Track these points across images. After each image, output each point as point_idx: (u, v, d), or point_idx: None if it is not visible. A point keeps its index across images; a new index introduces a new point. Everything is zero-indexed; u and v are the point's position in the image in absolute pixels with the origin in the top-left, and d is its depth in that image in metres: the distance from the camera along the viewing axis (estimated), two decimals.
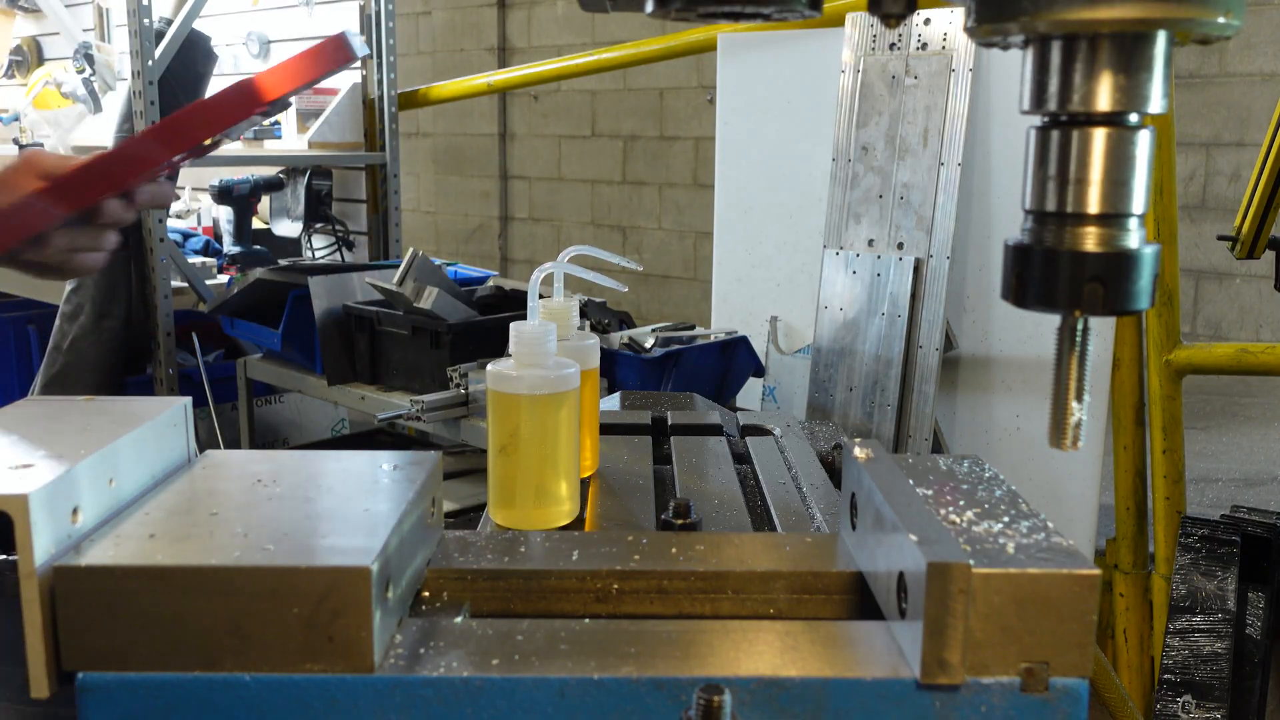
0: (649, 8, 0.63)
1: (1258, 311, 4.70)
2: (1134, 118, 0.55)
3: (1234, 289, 4.75)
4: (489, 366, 0.87)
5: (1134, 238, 0.57)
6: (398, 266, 2.92)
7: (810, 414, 2.67)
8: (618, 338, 2.67)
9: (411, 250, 2.94)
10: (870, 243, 2.59)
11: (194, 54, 3.75)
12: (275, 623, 0.56)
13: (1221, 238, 2.54)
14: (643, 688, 0.57)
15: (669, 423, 1.21)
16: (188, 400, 0.75)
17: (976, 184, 2.54)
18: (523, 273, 6.76)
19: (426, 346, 2.77)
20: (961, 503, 0.68)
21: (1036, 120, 0.58)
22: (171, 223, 4.51)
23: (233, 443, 3.61)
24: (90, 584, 0.56)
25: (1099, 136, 0.55)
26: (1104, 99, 0.55)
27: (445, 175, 7.48)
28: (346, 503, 0.66)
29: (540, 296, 0.93)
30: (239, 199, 4.16)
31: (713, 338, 2.75)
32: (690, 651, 0.59)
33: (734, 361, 2.74)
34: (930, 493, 0.70)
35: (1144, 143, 0.56)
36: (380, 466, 0.73)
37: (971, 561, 0.56)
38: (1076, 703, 0.57)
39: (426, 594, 0.70)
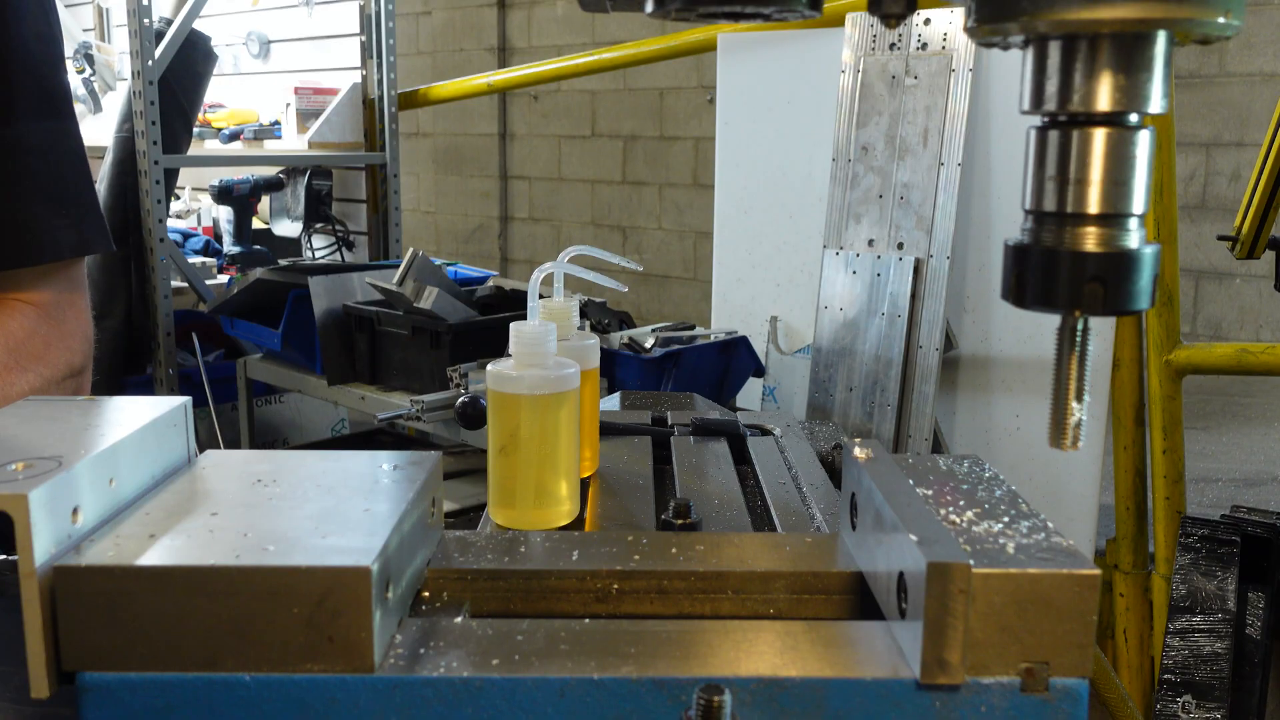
0: (649, 8, 0.63)
1: (1258, 311, 4.70)
2: (1134, 118, 0.55)
3: (1234, 289, 4.75)
4: (489, 366, 0.87)
5: (1134, 238, 0.57)
6: (398, 266, 2.92)
7: (810, 414, 2.67)
8: (618, 338, 2.67)
9: (411, 250, 2.95)
10: (870, 243, 2.59)
11: (194, 54, 3.76)
12: (275, 623, 0.56)
13: (1221, 238, 2.55)
14: (643, 688, 0.57)
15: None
16: (188, 400, 0.75)
17: (976, 184, 2.54)
18: (523, 273, 6.76)
19: (426, 346, 2.77)
20: (961, 503, 0.68)
21: (1036, 120, 0.58)
22: (171, 223, 4.51)
23: (233, 443, 3.62)
24: (90, 584, 0.56)
25: (1099, 136, 0.55)
26: (1104, 99, 0.55)
27: (445, 175, 7.48)
28: (346, 503, 0.66)
29: (540, 296, 0.93)
30: (239, 199, 4.16)
31: (713, 338, 2.75)
32: (690, 651, 0.59)
33: (734, 361, 2.74)
34: (930, 493, 0.70)
35: (1144, 143, 0.56)
36: (380, 466, 0.73)
37: (971, 561, 0.56)
38: (1076, 703, 0.57)
39: (426, 594, 0.70)
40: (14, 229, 1.09)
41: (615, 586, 0.70)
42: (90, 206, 1.17)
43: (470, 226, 7.38)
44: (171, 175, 4.01)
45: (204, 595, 0.56)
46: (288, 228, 4.34)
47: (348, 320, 2.98)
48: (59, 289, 1.14)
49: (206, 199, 4.62)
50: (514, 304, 3.01)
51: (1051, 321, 0.60)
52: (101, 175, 3.54)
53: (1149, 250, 0.57)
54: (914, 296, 2.51)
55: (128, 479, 0.66)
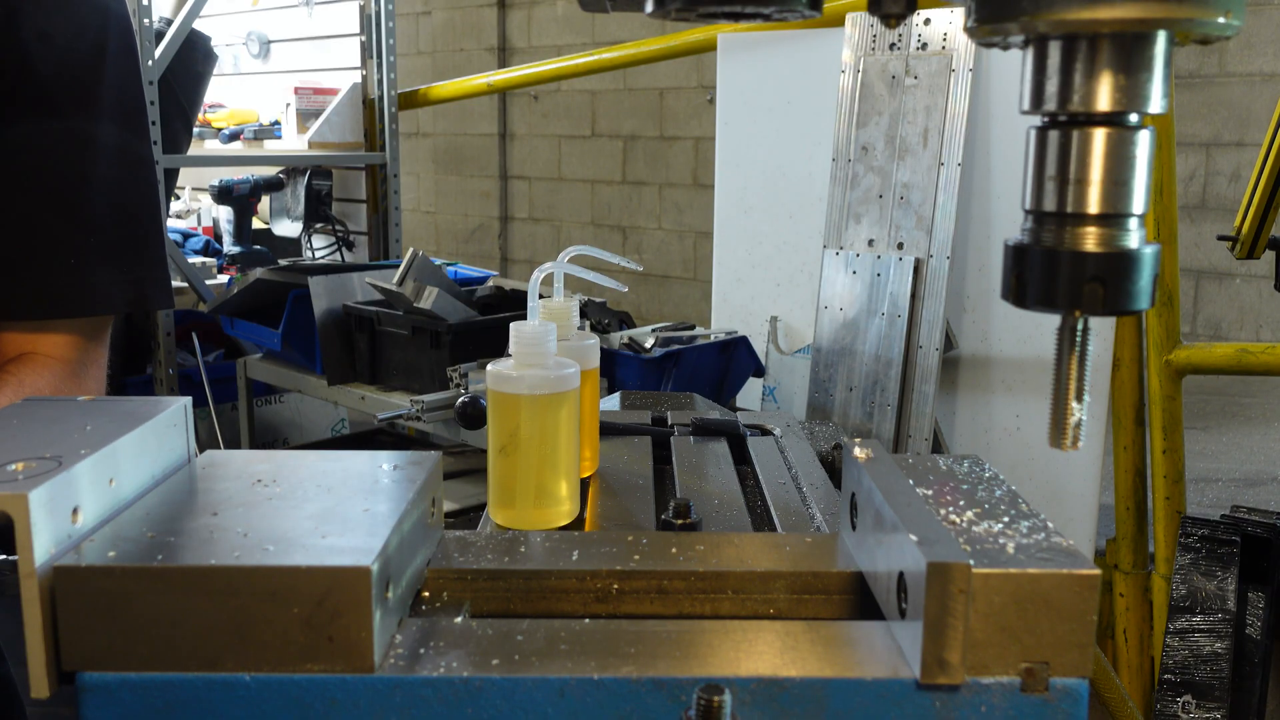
0: (649, 8, 0.63)
1: (1258, 311, 4.70)
2: (1134, 118, 0.55)
3: (1234, 289, 4.75)
4: (489, 366, 0.87)
5: (1134, 238, 0.57)
6: (398, 266, 2.92)
7: (810, 414, 2.67)
8: (618, 338, 2.67)
9: (411, 250, 2.95)
10: (870, 243, 2.59)
11: (194, 54, 3.76)
12: (275, 623, 0.56)
13: (1221, 238, 2.55)
14: (643, 688, 0.57)
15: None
16: (188, 400, 0.75)
17: (976, 184, 2.54)
18: (523, 273, 6.76)
19: (426, 346, 2.77)
20: (961, 503, 0.68)
21: (1036, 120, 0.58)
22: (171, 223, 4.52)
23: (233, 443, 3.62)
24: (90, 584, 0.56)
25: (1099, 136, 0.55)
26: (1104, 99, 0.54)
27: (445, 175, 7.48)
28: (346, 503, 0.66)
29: (540, 296, 0.93)
30: (239, 199, 4.16)
31: (713, 338, 2.75)
32: (690, 651, 0.59)
33: (734, 361, 2.74)
34: (930, 493, 0.70)
35: (1144, 143, 0.56)
36: (380, 466, 0.73)
37: (971, 561, 0.56)
38: (1076, 703, 0.57)
39: (426, 594, 0.70)
40: (64, 274, 0.99)
41: (615, 586, 0.70)
42: (153, 252, 1.06)
43: (470, 226, 7.38)
44: (172, 175, 4.01)
45: (204, 595, 0.56)
46: (288, 228, 4.34)
47: (348, 320, 2.98)
48: (87, 344, 1.06)
49: (206, 199, 4.62)
50: (514, 304, 3.01)
51: (1051, 321, 0.60)
52: None
53: (1149, 250, 0.57)
54: (914, 296, 2.51)
55: (128, 479, 0.66)
